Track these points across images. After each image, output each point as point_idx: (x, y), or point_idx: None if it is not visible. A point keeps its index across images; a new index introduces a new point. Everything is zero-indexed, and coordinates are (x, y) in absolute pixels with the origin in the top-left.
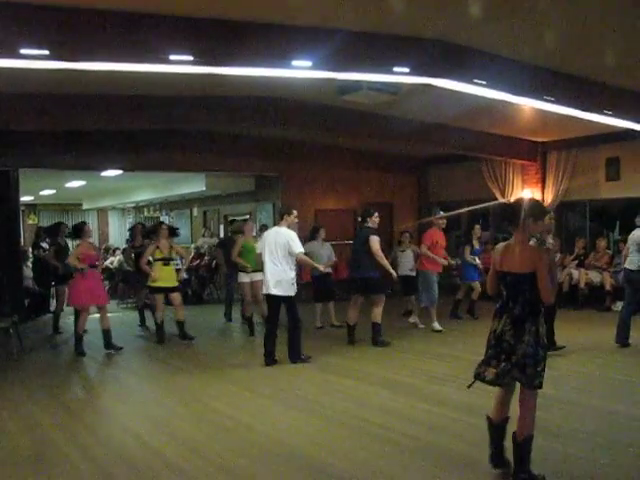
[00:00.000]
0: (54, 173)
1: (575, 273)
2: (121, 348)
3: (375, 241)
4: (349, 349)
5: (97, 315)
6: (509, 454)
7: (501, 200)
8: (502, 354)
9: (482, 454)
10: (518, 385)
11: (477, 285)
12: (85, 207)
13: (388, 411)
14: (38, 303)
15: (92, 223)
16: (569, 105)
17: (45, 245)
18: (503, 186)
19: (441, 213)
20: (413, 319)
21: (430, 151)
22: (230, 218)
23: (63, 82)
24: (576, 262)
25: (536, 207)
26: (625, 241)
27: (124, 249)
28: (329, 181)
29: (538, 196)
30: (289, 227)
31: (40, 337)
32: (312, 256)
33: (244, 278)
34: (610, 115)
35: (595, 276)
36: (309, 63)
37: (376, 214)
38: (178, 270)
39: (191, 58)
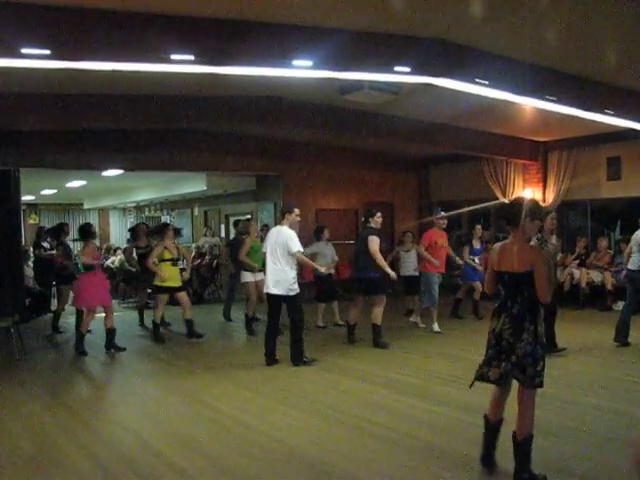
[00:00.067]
0: (55, 173)
1: (576, 273)
2: (124, 349)
3: (373, 241)
4: (350, 349)
5: (102, 314)
6: (507, 455)
7: (502, 200)
8: (502, 354)
9: None
10: (515, 385)
11: (478, 285)
12: (86, 207)
13: (389, 411)
14: (39, 303)
15: (93, 223)
16: (570, 105)
17: (46, 245)
18: (504, 186)
19: (442, 213)
20: (414, 318)
21: (431, 151)
22: (234, 219)
23: (64, 82)
24: (577, 262)
25: (532, 207)
26: (626, 241)
27: (125, 248)
28: (330, 180)
29: (539, 196)
30: (291, 226)
31: (41, 337)
32: (319, 256)
33: (249, 278)
34: (611, 115)
35: (596, 276)
36: (310, 63)
37: (379, 214)
38: (182, 270)
39: (192, 58)
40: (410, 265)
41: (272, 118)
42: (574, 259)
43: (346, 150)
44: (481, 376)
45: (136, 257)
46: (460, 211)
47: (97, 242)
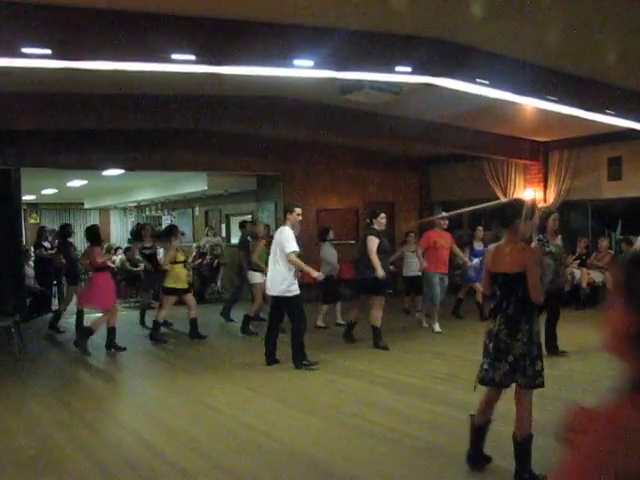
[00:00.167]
0: (56, 172)
1: (577, 273)
2: (124, 349)
3: (371, 242)
4: (350, 349)
5: (99, 314)
6: (507, 455)
7: (503, 200)
8: (500, 354)
9: None
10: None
11: (478, 286)
12: (87, 206)
13: (390, 411)
14: (40, 302)
15: (94, 222)
16: (571, 105)
17: (47, 244)
18: (505, 186)
19: (443, 213)
20: (419, 315)
21: (432, 150)
22: (239, 220)
23: (65, 81)
24: (578, 262)
25: (526, 208)
26: (627, 241)
27: (126, 248)
28: (331, 180)
29: (540, 196)
30: (292, 225)
31: (42, 336)
32: (327, 259)
33: (258, 279)
34: (612, 115)
35: (597, 276)
36: (311, 62)
37: (382, 215)
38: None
39: (193, 57)
40: (414, 265)
41: (273, 118)
42: (575, 259)
43: (347, 150)
44: (485, 379)
45: (140, 257)
46: (461, 211)
47: None
